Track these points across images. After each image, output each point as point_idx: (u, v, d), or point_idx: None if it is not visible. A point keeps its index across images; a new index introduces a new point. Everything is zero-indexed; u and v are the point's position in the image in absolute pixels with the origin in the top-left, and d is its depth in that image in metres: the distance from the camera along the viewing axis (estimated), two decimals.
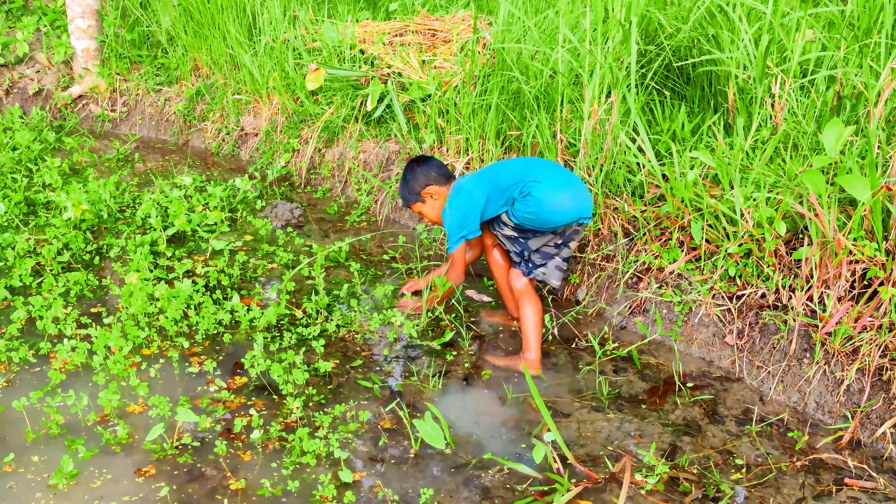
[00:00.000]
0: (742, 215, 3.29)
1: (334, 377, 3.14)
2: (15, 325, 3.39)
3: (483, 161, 4.36)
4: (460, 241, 3.32)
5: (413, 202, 3.46)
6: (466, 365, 3.27)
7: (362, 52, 5.28)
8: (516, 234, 3.31)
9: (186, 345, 3.31)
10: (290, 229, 4.49)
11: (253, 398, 3.00)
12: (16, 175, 4.95)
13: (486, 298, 3.81)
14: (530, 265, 3.34)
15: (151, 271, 3.81)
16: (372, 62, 5.18)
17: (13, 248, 3.97)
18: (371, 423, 2.88)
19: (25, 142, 5.46)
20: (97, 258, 4.03)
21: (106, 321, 3.44)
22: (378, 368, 3.23)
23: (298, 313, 3.54)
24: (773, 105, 3.60)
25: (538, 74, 4.09)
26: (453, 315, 3.61)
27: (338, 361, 3.24)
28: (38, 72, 6.65)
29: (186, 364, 3.19)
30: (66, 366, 3.15)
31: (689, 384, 3.16)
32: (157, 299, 3.54)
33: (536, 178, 3.20)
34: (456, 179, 3.45)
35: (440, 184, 3.40)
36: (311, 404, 2.97)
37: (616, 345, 3.40)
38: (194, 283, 3.68)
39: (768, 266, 3.24)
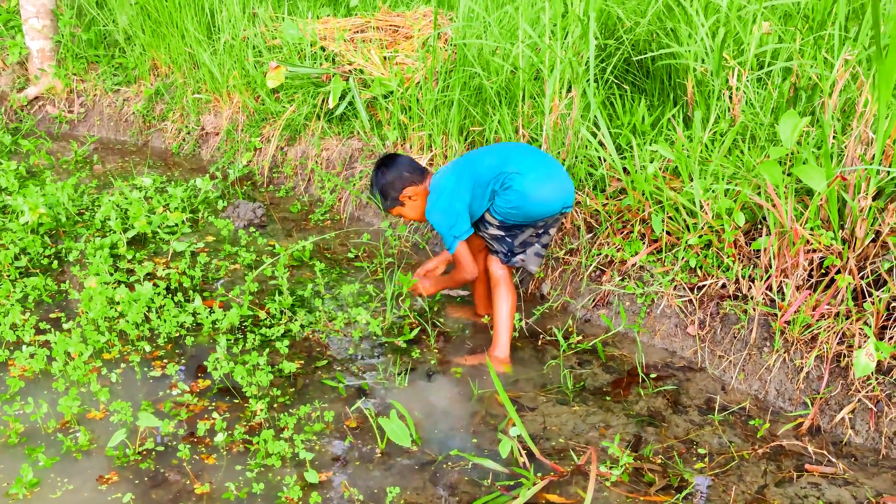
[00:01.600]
0: (701, 207, 3.33)
1: (299, 378, 3.12)
2: None
3: (446, 157, 4.36)
4: (456, 241, 3.18)
5: (391, 207, 3.31)
6: (432, 362, 3.27)
7: (323, 49, 5.25)
8: (503, 234, 3.22)
9: (148, 349, 3.27)
10: (252, 229, 4.45)
11: (216, 401, 2.97)
12: None
13: (456, 292, 3.80)
14: (509, 253, 3.28)
15: (111, 275, 3.75)
16: (333, 59, 5.15)
17: None
18: (336, 422, 2.86)
19: None
20: (56, 262, 3.96)
21: (65, 326, 3.38)
22: (343, 367, 3.22)
23: (262, 314, 3.52)
24: (730, 97, 3.64)
25: (499, 70, 4.09)
26: (417, 312, 3.61)
27: (302, 362, 3.22)
28: None
29: (148, 368, 3.15)
30: (24, 373, 3.09)
31: (653, 375, 3.19)
32: (118, 303, 3.48)
33: (518, 168, 3.07)
34: (432, 174, 3.32)
35: (415, 182, 3.26)
36: (275, 406, 2.95)
37: (580, 338, 3.42)
38: (155, 285, 3.63)
39: (728, 257, 3.28)
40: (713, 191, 3.32)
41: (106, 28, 6.37)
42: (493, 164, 3.15)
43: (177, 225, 4.34)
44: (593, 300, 3.60)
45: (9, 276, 3.80)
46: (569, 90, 3.79)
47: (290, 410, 2.90)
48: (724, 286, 3.30)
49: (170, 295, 3.64)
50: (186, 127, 5.79)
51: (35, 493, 2.50)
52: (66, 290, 3.73)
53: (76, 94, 6.32)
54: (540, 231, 3.27)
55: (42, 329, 3.39)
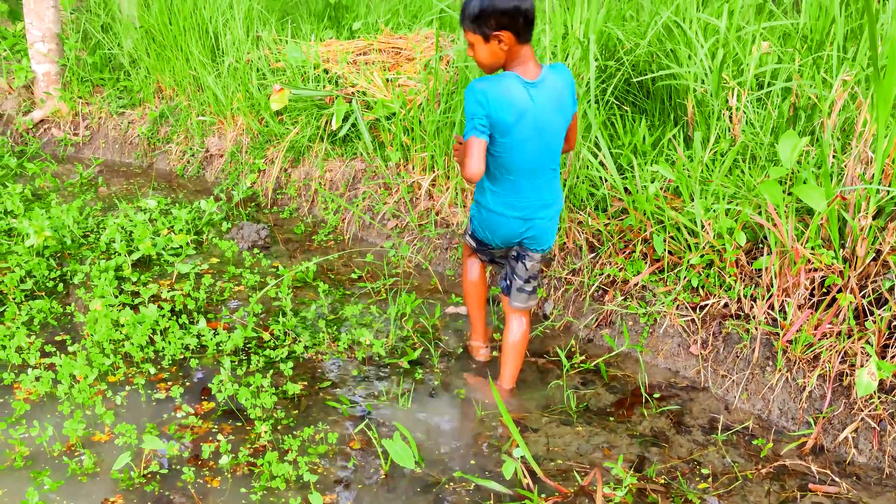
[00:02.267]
0: (703, 227, 3.35)
1: (303, 399, 3.13)
2: None
3: (448, 178, 4.39)
4: (472, 132, 2.68)
5: (475, 31, 2.68)
6: (436, 383, 3.28)
7: (326, 71, 5.29)
8: (474, 244, 3.17)
9: (153, 371, 3.28)
10: (256, 251, 4.47)
11: (221, 423, 2.98)
12: None
13: (462, 311, 3.81)
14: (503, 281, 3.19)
15: (116, 297, 3.77)
16: (336, 81, 5.20)
17: None
18: (340, 444, 2.87)
19: None
20: (61, 285, 3.99)
21: (70, 349, 3.40)
22: (347, 389, 3.23)
23: (266, 336, 3.53)
24: (730, 117, 3.67)
25: None
26: (420, 333, 3.62)
27: (306, 383, 3.23)
28: None
29: (153, 390, 3.16)
30: (30, 396, 3.11)
31: (656, 395, 3.20)
32: (123, 325, 3.50)
33: (497, 179, 2.85)
34: (530, 53, 2.74)
35: (518, 36, 2.67)
36: (279, 427, 2.96)
37: (583, 358, 3.43)
38: (160, 307, 3.65)
39: (730, 276, 3.29)
40: (714, 210, 3.34)
41: (111, 51, 6.43)
42: (502, 149, 2.78)
43: (181, 247, 4.36)
44: (596, 320, 3.61)
45: (14, 298, 3.82)
46: None
47: (294, 432, 2.91)
48: (726, 305, 3.31)
49: (174, 317, 3.66)
50: (191, 149, 5.83)
51: None
52: (71, 313, 3.75)
53: (81, 116, 6.37)
54: (511, 257, 3.11)
55: (47, 352, 3.41)
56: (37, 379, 3.18)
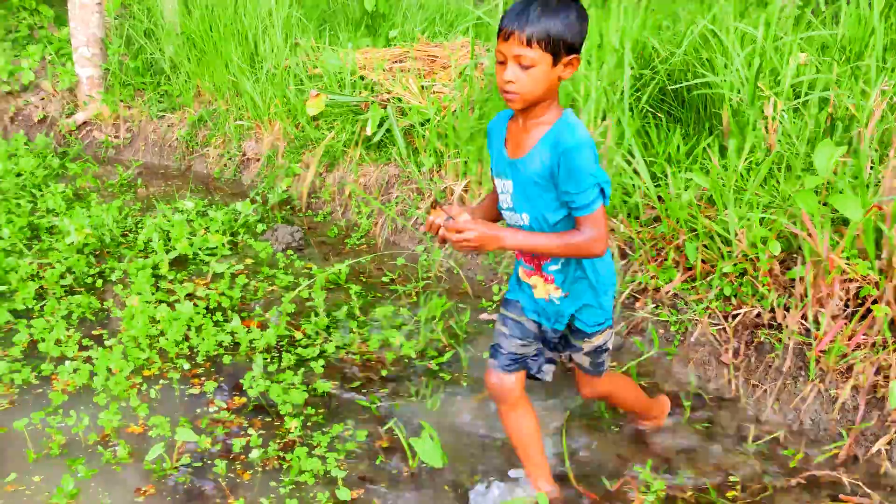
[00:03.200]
0: (736, 235, 3.33)
1: (332, 397, 3.17)
2: (17, 347, 3.42)
3: (481, 184, 4.41)
4: (600, 200, 2.17)
5: (548, 45, 2.04)
6: (464, 384, 3.29)
7: (362, 77, 5.36)
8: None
9: (187, 366, 3.34)
10: (290, 252, 4.53)
11: (252, 418, 3.02)
12: (20, 200, 5.01)
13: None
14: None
15: (153, 294, 3.85)
16: (372, 88, 5.26)
17: (16, 272, 4.01)
18: (368, 442, 2.90)
19: (30, 168, 5.54)
20: (99, 281, 4.07)
21: (107, 343, 3.47)
22: (376, 388, 3.25)
23: (298, 334, 3.58)
24: (766, 127, 3.65)
25: None
26: (449, 335, 3.64)
27: (336, 382, 3.27)
28: (43, 99, 6.75)
29: (186, 385, 3.22)
30: (67, 387, 3.18)
31: (686, 403, 3.18)
32: (159, 321, 3.57)
33: None
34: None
35: (576, 61, 2.14)
36: (309, 424, 2.99)
37: (614, 364, 3.42)
38: (195, 305, 3.71)
39: (763, 285, 3.26)
40: (748, 219, 3.33)
41: (152, 56, 6.57)
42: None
43: (217, 247, 4.44)
44: (626, 327, 3.60)
45: (54, 293, 3.91)
46: (603, 118, 3.83)
47: (324, 429, 2.94)
48: (758, 315, 3.28)
49: (209, 314, 3.72)
50: (228, 153, 5.93)
51: (75, 503, 2.56)
52: (108, 309, 3.83)
53: (122, 119, 6.51)
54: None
55: (85, 345, 3.48)
56: (74, 371, 3.26)
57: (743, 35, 3.99)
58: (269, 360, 3.39)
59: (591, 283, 2.34)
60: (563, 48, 2.07)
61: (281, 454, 2.80)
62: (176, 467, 2.73)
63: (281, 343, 3.54)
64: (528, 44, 2.04)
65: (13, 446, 2.85)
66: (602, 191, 2.17)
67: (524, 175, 2.23)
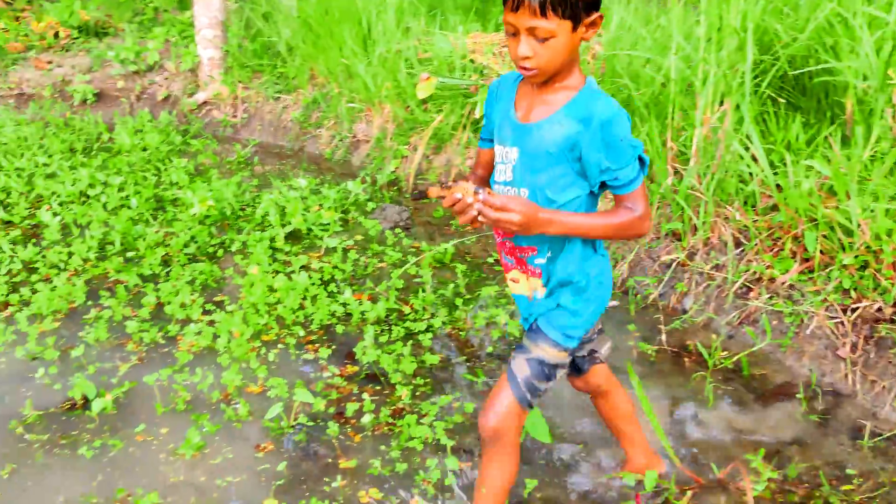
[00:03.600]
0: (859, 226, 3.22)
1: (439, 370, 3.24)
2: (146, 308, 3.64)
3: None
4: (643, 173, 1.94)
5: (566, 10, 1.78)
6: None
7: (472, 61, 5.41)
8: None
9: (302, 333, 3.48)
10: (398, 230, 4.63)
11: (363, 386, 3.13)
12: (146, 173, 5.30)
13: None
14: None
15: (270, 265, 4.02)
16: (481, 71, 5.30)
17: (144, 240, 4.26)
18: (474, 415, 2.95)
19: (155, 143, 5.85)
20: (220, 251, 4.28)
21: (228, 308, 3.65)
22: (482, 364, 3.31)
23: (406, 309, 3.67)
24: (894, 116, 3.51)
25: (649, 82, 4.10)
26: None
27: (443, 356, 3.34)
28: (167, 79, 7.08)
29: (302, 351, 3.36)
30: (192, 347, 3.37)
31: (799, 395, 3.11)
32: (276, 290, 3.73)
33: None
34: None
35: (598, 22, 1.87)
36: (417, 394, 3.08)
37: (724, 354, 3.37)
38: (310, 276, 3.85)
39: (886, 279, 3.15)
40: (872, 210, 3.21)
41: (270, 39, 6.80)
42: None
43: (329, 223, 4.58)
44: (738, 317, 3.54)
45: (178, 261, 4.13)
46: (721, 103, 3.76)
47: (432, 400, 3.02)
48: (879, 309, 3.17)
49: (323, 286, 3.86)
50: (339, 134, 6.09)
51: (200, 455, 2.73)
52: (228, 277, 4.02)
53: (240, 100, 6.77)
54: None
55: (208, 310, 3.67)
56: (198, 333, 3.44)
57: (871, 19, 3.83)
58: (379, 331, 3.49)
59: (577, 286, 2.07)
60: (581, 8, 1.80)
61: (391, 420, 2.89)
62: (293, 426, 2.87)
63: (390, 316, 3.64)
64: (542, 13, 1.76)
65: (143, 400, 3.05)
66: (642, 161, 1.93)
67: (536, 142, 1.94)
